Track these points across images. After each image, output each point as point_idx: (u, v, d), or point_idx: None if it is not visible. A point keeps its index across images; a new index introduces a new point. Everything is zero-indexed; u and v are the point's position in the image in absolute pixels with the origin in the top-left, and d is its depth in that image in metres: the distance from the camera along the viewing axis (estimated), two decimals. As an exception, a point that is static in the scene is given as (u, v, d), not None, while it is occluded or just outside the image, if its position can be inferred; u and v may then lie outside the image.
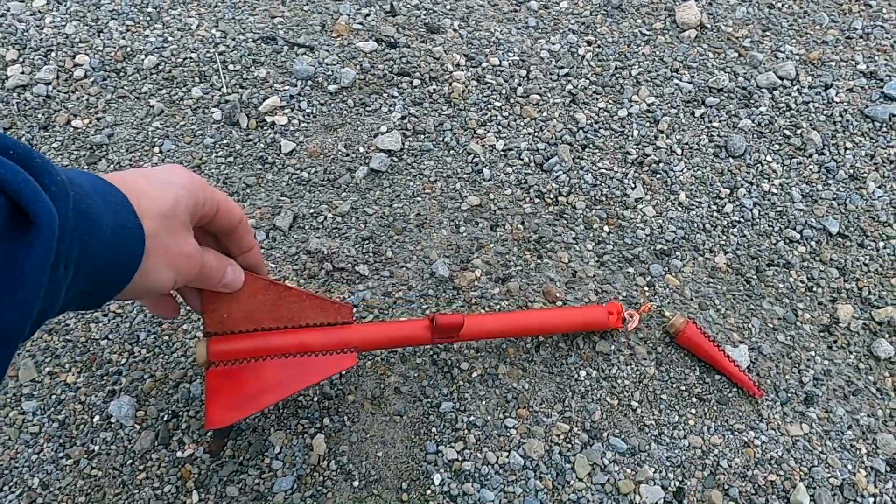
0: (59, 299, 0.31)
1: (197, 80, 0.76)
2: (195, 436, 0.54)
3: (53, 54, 0.76)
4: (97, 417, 0.55)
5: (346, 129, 0.74)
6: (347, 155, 0.72)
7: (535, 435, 0.57)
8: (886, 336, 0.64)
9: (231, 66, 0.77)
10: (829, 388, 0.61)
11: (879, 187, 0.72)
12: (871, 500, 0.56)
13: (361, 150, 0.72)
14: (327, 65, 0.78)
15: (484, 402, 0.58)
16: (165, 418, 0.55)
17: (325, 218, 0.67)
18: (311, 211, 0.68)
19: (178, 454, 0.54)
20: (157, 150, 0.71)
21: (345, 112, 0.75)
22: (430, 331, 0.51)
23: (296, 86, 0.76)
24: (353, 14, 0.84)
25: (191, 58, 0.78)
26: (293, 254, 0.65)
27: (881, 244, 0.69)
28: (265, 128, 0.73)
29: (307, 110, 0.75)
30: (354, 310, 0.57)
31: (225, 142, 0.72)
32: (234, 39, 0.80)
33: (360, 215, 0.68)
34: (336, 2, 0.85)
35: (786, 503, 0.55)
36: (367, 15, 0.84)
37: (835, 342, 0.64)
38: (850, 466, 0.57)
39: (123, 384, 0.56)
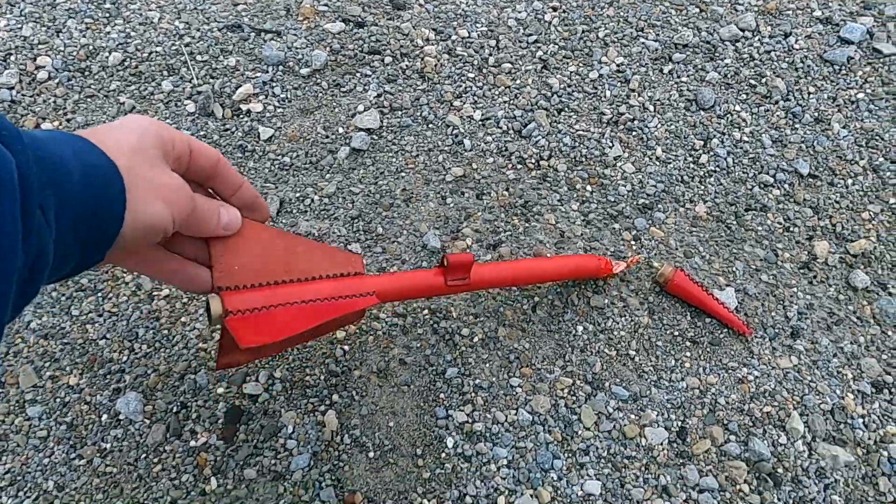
0: (47, 255, 0.30)
1: (166, 73, 0.75)
2: (206, 424, 0.55)
3: (13, 58, 0.74)
4: (105, 416, 0.55)
5: (322, 111, 0.73)
6: (327, 137, 0.72)
7: (540, 391, 0.59)
8: (861, 267, 0.67)
9: (199, 57, 0.76)
10: (812, 320, 0.64)
11: (843, 127, 0.75)
12: (861, 420, 0.59)
13: (341, 130, 0.72)
14: (297, 48, 0.78)
15: (487, 365, 0.60)
16: (175, 410, 0.55)
17: (312, 200, 0.67)
18: (298, 195, 0.68)
19: (192, 443, 0.54)
20: (133, 146, 0.69)
21: (320, 94, 0.75)
22: (443, 275, 0.51)
23: (267, 72, 0.76)
24: (317, -4, 0.83)
25: (156, 51, 0.76)
26: (284, 238, 0.65)
27: (849, 181, 0.72)
28: (241, 116, 0.72)
29: (282, 95, 0.74)
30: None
31: (202, 133, 0.71)
32: (198, 30, 0.79)
33: (347, 195, 0.68)
34: (298, -15, 0.84)
35: (782, 431, 0.58)
36: (332, -4, 0.84)
37: (814, 277, 0.67)
38: (838, 392, 0.60)
39: (128, 381, 0.56)
